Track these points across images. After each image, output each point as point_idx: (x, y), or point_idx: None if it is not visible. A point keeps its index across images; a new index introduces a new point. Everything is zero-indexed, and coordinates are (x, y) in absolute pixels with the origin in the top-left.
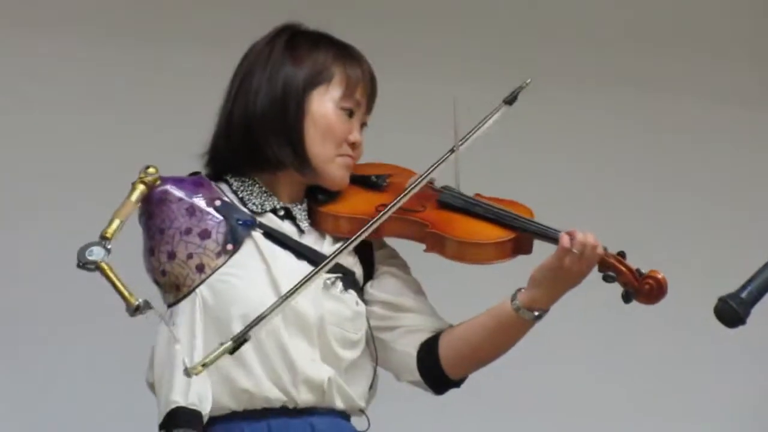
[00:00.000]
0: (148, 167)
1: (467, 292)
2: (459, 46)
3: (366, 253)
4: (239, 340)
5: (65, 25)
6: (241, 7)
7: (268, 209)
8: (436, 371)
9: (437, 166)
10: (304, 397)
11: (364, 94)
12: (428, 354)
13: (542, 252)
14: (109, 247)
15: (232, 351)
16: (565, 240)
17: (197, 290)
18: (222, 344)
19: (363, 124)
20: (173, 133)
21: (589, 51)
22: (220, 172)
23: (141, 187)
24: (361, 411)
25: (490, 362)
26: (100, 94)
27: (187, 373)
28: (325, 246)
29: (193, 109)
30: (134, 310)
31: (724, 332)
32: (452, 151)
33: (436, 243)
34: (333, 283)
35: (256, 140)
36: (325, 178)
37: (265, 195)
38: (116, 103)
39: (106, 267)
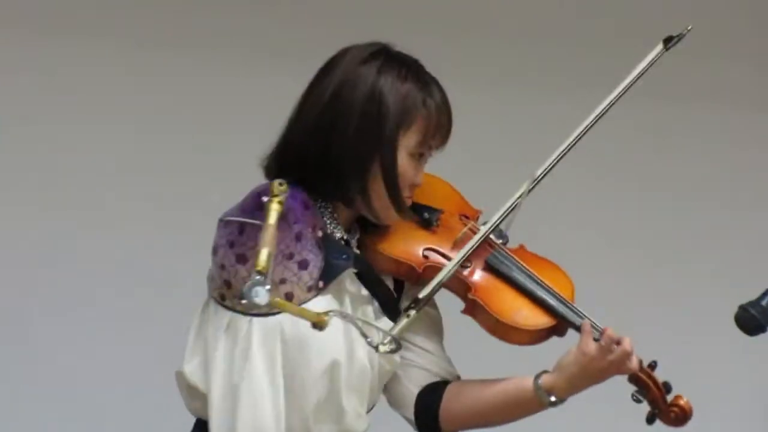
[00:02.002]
0: (280, 184)
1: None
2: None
3: (397, 289)
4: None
5: (90, 34)
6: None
7: (336, 237)
8: (430, 418)
9: (505, 216)
10: None
11: (440, 139)
12: (430, 398)
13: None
14: (268, 286)
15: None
16: (586, 325)
17: (278, 317)
18: (408, 315)
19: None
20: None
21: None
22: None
23: (278, 208)
24: None
25: (486, 426)
26: (114, 100)
27: (390, 347)
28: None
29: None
30: (323, 327)
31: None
32: (515, 206)
33: (475, 310)
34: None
35: (335, 174)
36: (383, 218)
37: (335, 223)
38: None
39: (280, 302)
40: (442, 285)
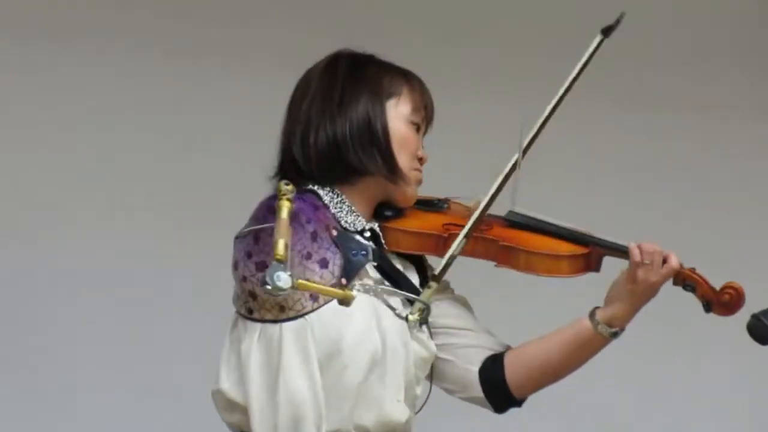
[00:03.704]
0: (287, 184)
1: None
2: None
3: (422, 276)
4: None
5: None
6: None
7: (358, 229)
8: (501, 389)
9: (506, 179)
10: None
11: (428, 112)
12: (493, 371)
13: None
14: (288, 271)
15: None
16: (635, 253)
17: (307, 317)
18: (429, 286)
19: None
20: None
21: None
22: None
23: (288, 204)
24: None
25: (556, 380)
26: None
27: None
28: (398, 267)
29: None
30: (349, 303)
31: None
32: (515, 164)
33: (510, 256)
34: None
35: (343, 151)
36: (401, 190)
37: (353, 214)
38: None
39: (302, 282)
40: (453, 258)
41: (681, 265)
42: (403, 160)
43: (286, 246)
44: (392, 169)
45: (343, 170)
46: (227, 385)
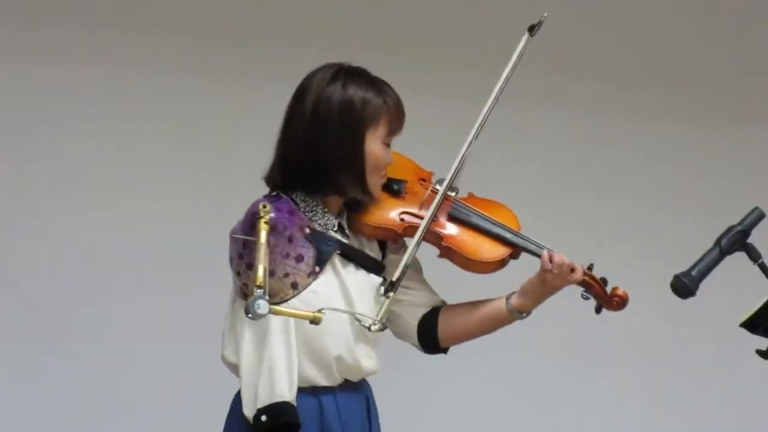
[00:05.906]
0: (264, 206)
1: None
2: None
3: (381, 245)
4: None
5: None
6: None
7: (328, 227)
8: (432, 341)
9: (456, 175)
10: (354, 381)
11: (400, 125)
12: (428, 326)
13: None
14: (266, 296)
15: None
16: (545, 261)
17: (290, 302)
18: (382, 304)
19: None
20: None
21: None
22: (283, 187)
23: (266, 227)
24: None
25: (473, 339)
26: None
27: (379, 327)
28: (366, 248)
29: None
30: (318, 322)
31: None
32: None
33: (449, 253)
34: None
35: (329, 171)
36: (369, 198)
37: (327, 215)
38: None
39: (278, 309)
40: (408, 267)
41: (584, 272)
42: (374, 179)
43: (265, 271)
44: (365, 192)
45: (323, 188)
46: (226, 351)
